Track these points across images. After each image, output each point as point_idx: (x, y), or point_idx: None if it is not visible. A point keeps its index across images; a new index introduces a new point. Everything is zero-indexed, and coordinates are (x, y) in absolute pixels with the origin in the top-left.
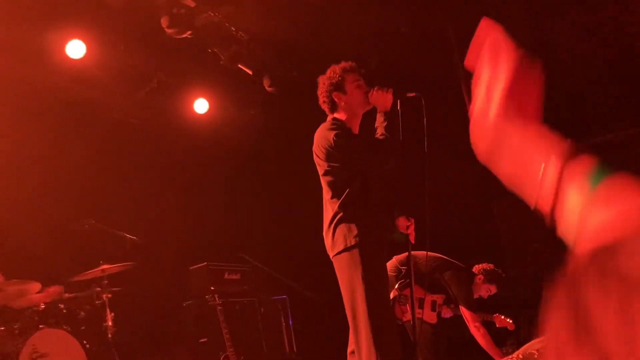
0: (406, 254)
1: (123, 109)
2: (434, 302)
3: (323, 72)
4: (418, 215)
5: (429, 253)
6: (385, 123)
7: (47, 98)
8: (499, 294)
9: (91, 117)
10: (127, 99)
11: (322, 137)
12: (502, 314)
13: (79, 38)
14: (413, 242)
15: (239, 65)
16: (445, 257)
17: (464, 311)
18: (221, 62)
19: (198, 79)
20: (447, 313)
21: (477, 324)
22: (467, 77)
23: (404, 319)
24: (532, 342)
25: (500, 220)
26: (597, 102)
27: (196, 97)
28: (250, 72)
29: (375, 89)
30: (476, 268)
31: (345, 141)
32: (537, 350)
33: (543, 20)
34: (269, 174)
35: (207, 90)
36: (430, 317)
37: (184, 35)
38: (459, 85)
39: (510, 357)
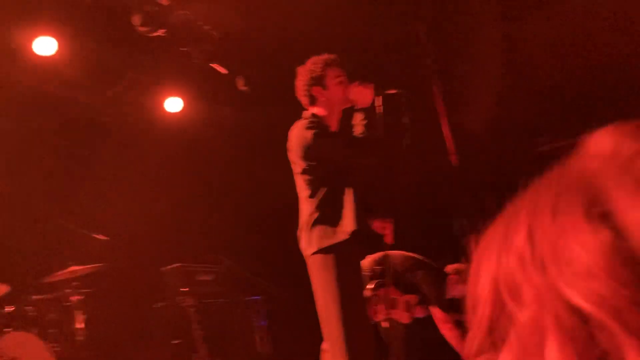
0: (381, 253)
1: (94, 107)
2: (407, 303)
3: (297, 71)
4: (396, 214)
5: (404, 253)
6: (366, 121)
7: (14, 95)
8: None
9: (61, 115)
10: (98, 97)
11: (300, 135)
12: None
13: (49, 34)
14: (389, 242)
15: (212, 64)
16: (419, 257)
17: (436, 312)
18: (194, 61)
19: (171, 78)
20: (420, 313)
21: (448, 325)
22: (439, 78)
23: (377, 319)
24: None
25: (468, 220)
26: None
27: (169, 96)
28: (224, 71)
29: (356, 83)
30: (449, 268)
31: (324, 140)
32: None
33: (514, 18)
34: (243, 173)
35: (180, 89)
36: (403, 317)
37: (157, 34)
38: (431, 86)
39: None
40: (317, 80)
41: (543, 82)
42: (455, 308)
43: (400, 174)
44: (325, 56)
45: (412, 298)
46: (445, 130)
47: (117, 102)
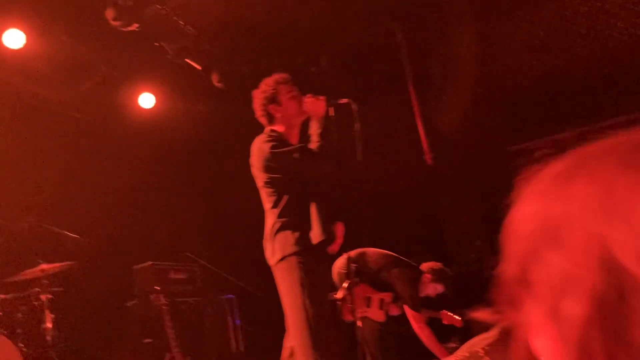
0: (357, 251)
1: (65, 103)
2: (381, 301)
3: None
4: (358, 217)
5: (380, 250)
6: (320, 130)
7: None
8: (447, 293)
9: (31, 111)
10: (70, 93)
11: (259, 149)
12: (450, 311)
13: (18, 27)
14: (336, 250)
15: (187, 60)
16: (395, 255)
17: (408, 310)
18: (168, 57)
19: (144, 73)
20: (395, 311)
21: (420, 324)
22: (414, 78)
23: (351, 319)
24: (477, 338)
25: (443, 219)
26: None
27: (142, 92)
28: (198, 67)
29: (308, 96)
30: (424, 266)
31: (281, 153)
32: (483, 348)
33: (488, 18)
34: (216, 171)
35: (153, 85)
36: (377, 315)
37: (130, 28)
38: (407, 86)
39: (454, 355)
40: (271, 99)
41: (517, 81)
42: (429, 306)
43: (358, 179)
44: (275, 76)
45: (386, 296)
46: (420, 130)
47: (89, 98)
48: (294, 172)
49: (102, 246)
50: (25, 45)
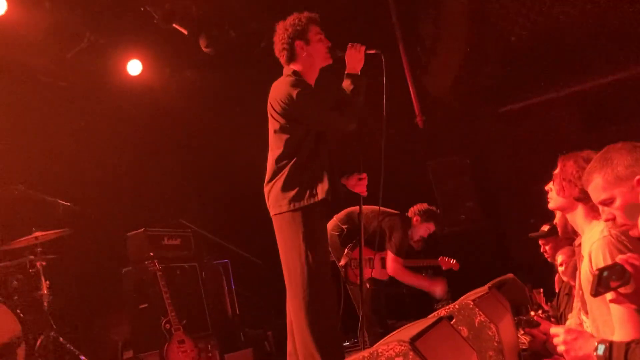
0: (345, 211)
1: (51, 71)
2: (383, 260)
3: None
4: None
5: (368, 207)
6: (352, 87)
7: None
8: (438, 233)
9: (16, 80)
10: (55, 61)
11: (284, 92)
12: (446, 256)
13: None
14: (365, 194)
15: (174, 25)
16: (381, 207)
17: (389, 255)
18: (155, 21)
19: (131, 39)
20: None
21: (395, 264)
22: (405, 39)
23: (358, 282)
24: (469, 293)
25: (435, 180)
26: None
27: (129, 59)
28: (185, 32)
29: (350, 45)
30: (411, 211)
31: (309, 101)
32: (473, 300)
33: None
34: (206, 136)
35: (140, 51)
36: (381, 274)
37: None
38: (397, 49)
39: (445, 308)
40: (301, 34)
41: (507, 42)
42: (413, 256)
43: (382, 134)
44: (307, 13)
45: (386, 254)
46: (412, 92)
47: (76, 65)
48: (318, 122)
49: (94, 214)
50: (7, 12)
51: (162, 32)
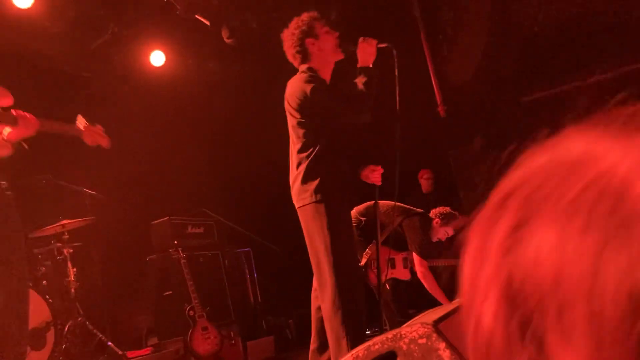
0: (365, 205)
1: (75, 62)
2: (405, 260)
3: (282, 24)
4: (386, 168)
5: (387, 202)
6: (365, 79)
7: None
8: (457, 236)
9: (41, 71)
10: (79, 52)
11: (299, 88)
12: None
13: None
14: (379, 183)
15: (196, 16)
16: (402, 205)
17: (415, 257)
18: (177, 13)
19: (154, 31)
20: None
21: (424, 269)
22: (426, 28)
23: (379, 282)
24: None
25: (457, 170)
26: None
27: (152, 50)
28: (207, 23)
29: (361, 39)
30: (432, 212)
31: (322, 96)
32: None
33: None
34: (228, 127)
35: (163, 42)
36: (403, 274)
37: None
38: (419, 38)
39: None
40: (308, 32)
41: (530, 30)
42: (433, 255)
43: (396, 128)
44: (307, 13)
45: (407, 254)
46: (434, 81)
47: (100, 56)
48: (332, 117)
49: (119, 203)
50: (34, 4)
51: (185, 24)
